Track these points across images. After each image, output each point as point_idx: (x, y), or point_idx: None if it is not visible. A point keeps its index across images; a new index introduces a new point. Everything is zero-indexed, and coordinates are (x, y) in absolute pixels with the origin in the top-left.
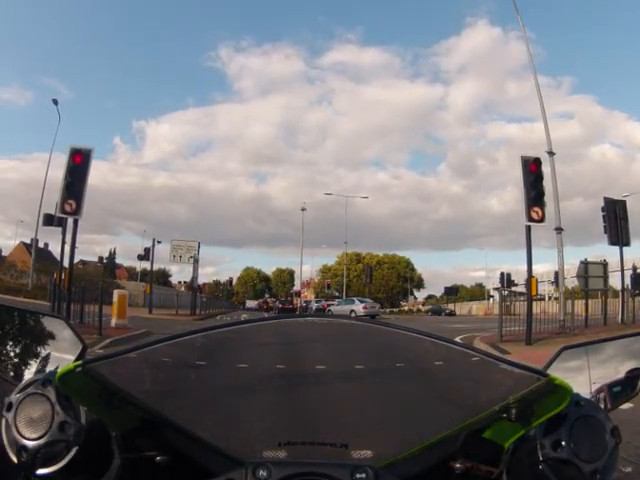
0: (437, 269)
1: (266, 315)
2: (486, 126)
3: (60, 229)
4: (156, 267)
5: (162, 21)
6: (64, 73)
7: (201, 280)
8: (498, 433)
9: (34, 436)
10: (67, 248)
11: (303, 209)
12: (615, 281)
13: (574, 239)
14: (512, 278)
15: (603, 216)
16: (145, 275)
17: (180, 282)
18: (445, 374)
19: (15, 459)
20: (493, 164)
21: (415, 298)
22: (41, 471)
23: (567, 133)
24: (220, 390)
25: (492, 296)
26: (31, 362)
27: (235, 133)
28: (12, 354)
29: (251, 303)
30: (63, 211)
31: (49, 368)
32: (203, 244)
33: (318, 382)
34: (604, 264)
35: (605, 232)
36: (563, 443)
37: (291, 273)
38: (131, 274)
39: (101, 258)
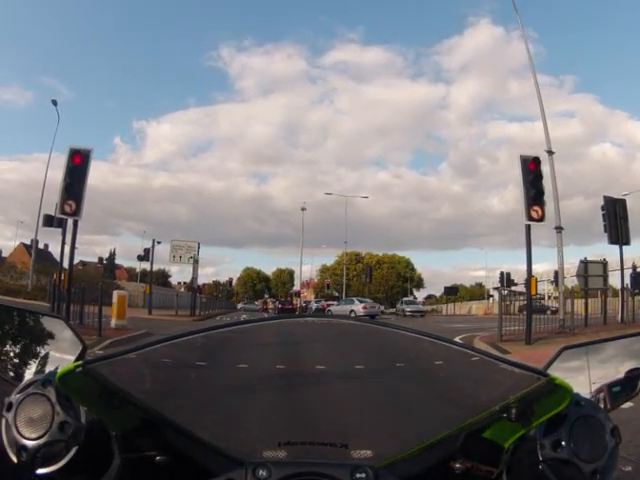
0: (437, 269)
1: (266, 316)
2: (487, 125)
3: (60, 230)
4: (156, 268)
5: (163, 21)
6: (64, 73)
7: (201, 280)
8: (498, 433)
9: (34, 436)
10: (67, 249)
11: (303, 209)
12: (615, 280)
13: (575, 238)
14: (512, 277)
15: (603, 215)
16: (145, 276)
17: (180, 283)
18: (445, 374)
19: (15, 459)
20: (494, 163)
21: (415, 298)
22: (41, 471)
23: (568, 132)
24: (220, 390)
25: (492, 296)
26: (31, 362)
27: (236, 133)
28: (12, 354)
29: (250, 305)
30: (63, 212)
31: (49, 368)
32: (203, 244)
33: (318, 382)
34: (604, 263)
35: (605, 231)
36: (563, 443)
37: (291, 273)
38: (131, 275)
39: (101, 259)
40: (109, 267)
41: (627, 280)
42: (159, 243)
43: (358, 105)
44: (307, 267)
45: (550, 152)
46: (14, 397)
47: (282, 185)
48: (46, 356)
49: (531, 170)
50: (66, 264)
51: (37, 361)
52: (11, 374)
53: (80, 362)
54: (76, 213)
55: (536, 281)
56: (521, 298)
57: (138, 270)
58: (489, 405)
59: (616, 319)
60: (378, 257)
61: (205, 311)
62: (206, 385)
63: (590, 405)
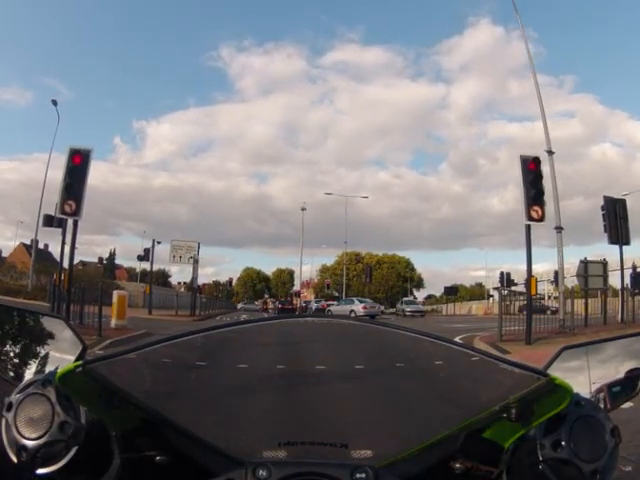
0: (437, 269)
1: (265, 316)
2: (487, 125)
3: (60, 230)
4: (156, 268)
5: (163, 21)
6: (64, 73)
7: (201, 280)
8: (498, 433)
9: (34, 436)
10: (67, 249)
11: (303, 209)
12: (615, 280)
13: (575, 238)
14: (512, 277)
15: (603, 215)
16: (145, 276)
17: (180, 283)
18: (445, 374)
19: (15, 459)
20: (494, 163)
21: (415, 298)
22: (41, 471)
23: (568, 132)
24: (220, 390)
25: (492, 296)
26: (31, 362)
27: (236, 133)
28: (12, 354)
29: (250, 305)
30: (63, 212)
31: (49, 368)
32: (203, 244)
33: (318, 382)
34: (604, 263)
35: (605, 231)
36: (563, 443)
37: (291, 273)
38: (131, 275)
39: (101, 259)
40: (109, 267)
41: (627, 280)
42: (159, 243)
43: (358, 105)
44: (307, 267)
45: (550, 152)
46: (14, 397)
47: (282, 185)
48: (46, 356)
49: (531, 170)
50: (66, 264)
51: (37, 361)
52: (11, 374)
53: (80, 362)
54: (76, 213)
55: (536, 281)
56: (521, 298)
57: (138, 270)
58: (489, 405)
59: (616, 319)
60: (378, 257)
61: (205, 311)
62: (206, 385)
63: (590, 405)
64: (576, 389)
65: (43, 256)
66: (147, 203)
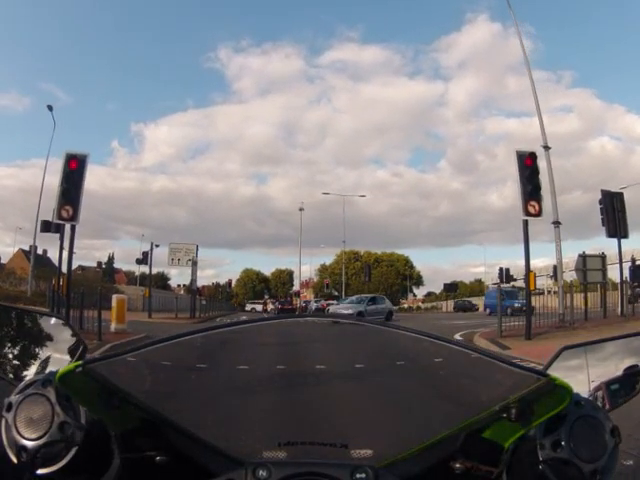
0: (437, 266)
1: (265, 316)
2: (485, 121)
3: (58, 235)
4: (155, 271)
5: (160, 23)
6: (61, 78)
7: (201, 283)
8: (498, 433)
9: (34, 436)
10: (65, 254)
11: (301, 209)
12: (614, 273)
13: (573, 232)
14: (511, 273)
15: (601, 209)
16: (144, 279)
17: (179, 285)
18: (445, 374)
19: (15, 459)
20: (492, 159)
21: (414, 295)
22: (41, 471)
23: (567, 127)
24: (220, 390)
25: None
26: (31, 362)
27: (234, 134)
28: (12, 354)
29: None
30: (60, 217)
31: (49, 368)
32: (203, 246)
33: (318, 382)
34: (602, 257)
35: (603, 225)
36: (563, 443)
37: (290, 273)
38: (130, 278)
39: (100, 263)
40: (108, 271)
41: (626, 273)
42: (157, 246)
43: (356, 104)
44: (306, 267)
45: (546, 147)
46: (14, 397)
47: (281, 185)
48: (46, 356)
49: (527, 165)
50: (65, 269)
51: (37, 361)
52: (11, 374)
53: (80, 362)
54: (73, 218)
55: (535, 276)
56: (520, 293)
57: (137, 274)
58: (489, 405)
59: (616, 312)
60: (377, 255)
61: (205, 313)
62: (206, 385)
63: (590, 405)
64: (576, 389)
65: (42, 262)
66: (146, 207)
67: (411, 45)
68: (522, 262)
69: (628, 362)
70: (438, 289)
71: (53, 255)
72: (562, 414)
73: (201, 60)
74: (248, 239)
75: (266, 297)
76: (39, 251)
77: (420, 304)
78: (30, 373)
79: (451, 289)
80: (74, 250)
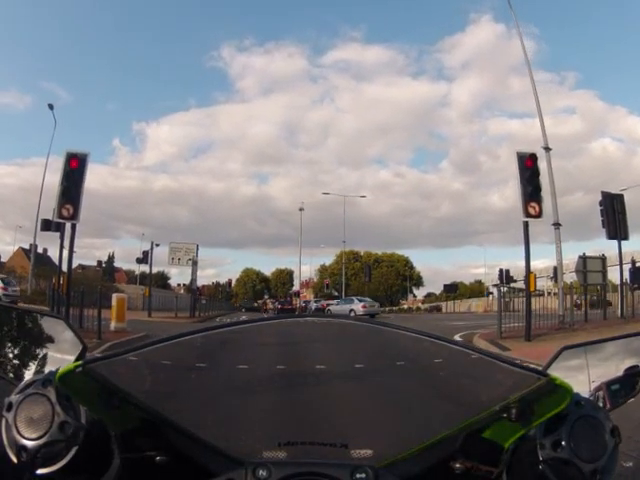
0: (438, 267)
1: (265, 316)
2: (488, 122)
3: (59, 234)
4: (155, 270)
5: (163, 21)
6: (63, 76)
7: (202, 282)
8: (498, 433)
9: (34, 436)
10: (66, 253)
11: (301, 209)
12: (615, 275)
13: (574, 234)
14: (512, 274)
15: (601, 210)
16: (144, 278)
17: (179, 285)
18: (445, 374)
19: (15, 459)
20: (495, 160)
21: (414, 296)
22: (41, 471)
23: (569, 128)
24: (220, 390)
25: (491, 293)
26: (31, 362)
27: (236, 133)
28: (12, 354)
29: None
30: (60, 216)
31: (49, 368)
32: (204, 246)
33: (318, 382)
34: (602, 259)
35: (603, 226)
36: (563, 443)
37: (290, 273)
38: (130, 277)
39: (100, 262)
40: (108, 270)
41: (626, 275)
42: (157, 245)
43: (359, 104)
44: (306, 267)
45: (547, 149)
46: (14, 397)
47: (283, 185)
48: (46, 356)
49: (528, 167)
50: (65, 268)
51: (37, 361)
52: (11, 374)
53: (80, 362)
54: (74, 217)
55: (535, 277)
56: (520, 295)
57: (137, 273)
58: (489, 405)
59: (616, 314)
60: (377, 256)
61: (205, 313)
62: (206, 385)
63: (590, 405)
64: (576, 389)
65: (42, 260)
66: (147, 206)
67: (415, 45)
68: (522, 263)
69: (628, 362)
70: (438, 290)
71: (53, 254)
72: (562, 414)
73: (204, 59)
74: (249, 239)
75: (266, 297)
76: (39, 250)
77: (420, 305)
78: (30, 373)
79: (451, 290)
80: (74, 249)
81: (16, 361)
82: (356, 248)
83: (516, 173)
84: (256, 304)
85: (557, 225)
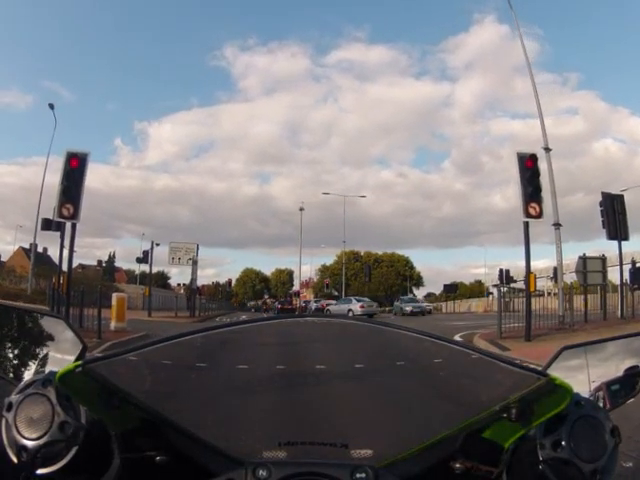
0: (439, 267)
1: (265, 316)
2: (491, 122)
3: (59, 233)
4: (155, 270)
5: (165, 20)
6: (65, 76)
7: (202, 282)
8: (498, 433)
9: (34, 436)
10: (66, 252)
11: (301, 209)
12: (615, 275)
13: (575, 234)
14: (512, 274)
15: (601, 211)
16: (144, 278)
17: (179, 284)
18: (445, 374)
19: (15, 459)
20: (497, 161)
21: (414, 296)
22: (41, 471)
23: (572, 129)
24: (220, 390)
25: (491, 293)
26: (31, 362)
27: (239, 133)
28: (12, 354)
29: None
30: (61, 215)
31: (49, 368)
32: (205, 246)
33: (318, 382)
34: (603, 259)
35: (604, 227)
36: (563, 443)
37: (290, 273)
38: (130, 277)
39: (100, 262)
40: (108, 270)
41: (626, 275)
42: (157, 245)
43: (362, 104)
44: (306, 267)
45: (547, 149)
46: (14, 397)
47: (285, 185)
48: (46, 356)
49: (528, 167)
50: (65, 267)
51: (37, 361)
52: (11, 374)
53: (80, 362)
54: (74, 216)
55: (535, 278)
56: (520, 295)
57: (137, 272)
58: (489, 405)
59: (616, 315)
60: (377, 256)
61: (205, 312)
62: (206, 385)
63: (590, 405)
64: (576, 389)
65: (42, 260)
66: (149, 205)
67: (418, 45)
68: (523, 263)
69: (629, 362)
70: (439, 290)
71: (53, 253)
72: (562, 414)
73: (207, 58)
74: (250, 239)
75: (266, 297)
76: (39, 249)
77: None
78: (30, 373)
79: (451, 290)
80: (75, 248)
81: (16, 361)
82: (357, 248)
83: (517, 174)
84: (254, 303)
85: (557, 225)
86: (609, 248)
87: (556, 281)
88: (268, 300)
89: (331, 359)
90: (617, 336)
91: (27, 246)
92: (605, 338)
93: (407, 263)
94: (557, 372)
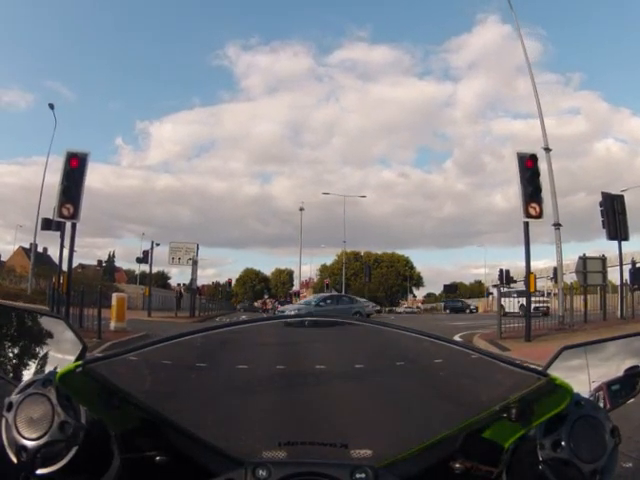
0: (440, 267)
1: (265, 316)
2: (492, 122)
3: (59, 233)
4: (155, 270)
5: (168, 20)
6: (66, 75)
7: (202, 282)
8: (498, 433)
9: (34, 436)
10: (66, 252)
11: (301, 209)
12: (615, 276)
13: (575, 234)
14: (512, 274)
15: (601, 211)
16: (144, 278)
17: (179, 284)
18: (445, 374)
19: (15, 459)
20: (498, 161)
21: (414, 296)
22: (41, 471)
23: (574, 129)
24: (220, 390)
25: (491, 293)
26: (31, 362)
27: (241, 132)
28: (12, 354)
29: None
30: (61, 215)
31: (49, 368)
32: (206, 245)
33: (318, 382)
34: (603, 259)
35: (604, 227)
36: (563, 443)
37: (290, 273)
38: (130, 277)
39: (100, 261)
40: (108, 270)
41: (626, 276)
42: (158, 245)
43: (365, 103)
44: (307, 267)
45: (547, 149)
46: (14, 397)
47: (286, 185)
48: (46, 356)
49: (528, 167)
50: (65, 267)
51: (37, 361)
52: (11, 374)
53: (80, 362)
54: (74, 216)
55: (535, 278)
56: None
57: (137, 272)
58: (489, 405)
59: (615, 315)
60: (377, 256)
61: (205, 312)
62: (206, 385)
63: (590, 405)
64: (576, 389)
65: (42, 260)
66: (149, 205)
67: (421, 45)
68: (523, 263)
69: (629, 362)
70: (439, 290)
71: (53, 253)
72: (562, 414)
73: (209, 58)
74: (251, 238)
75: (265, 297)
76: (39, 249)
77: (420, 305)
78: (30, 373)
79: (451, 290)
80: (75, 248)
81: (16, 361)
82: (358, 248)
83: (517, 174)
84: (242, 304)
85: (557, 225)
86: (609, 248)
87: (556, 281)
88: (268, 300)
89: (331, 359)
90: (617, 336)
91: (27, 246)
92: (605, 338)
93: (407, 263)
94: (557, 372)
